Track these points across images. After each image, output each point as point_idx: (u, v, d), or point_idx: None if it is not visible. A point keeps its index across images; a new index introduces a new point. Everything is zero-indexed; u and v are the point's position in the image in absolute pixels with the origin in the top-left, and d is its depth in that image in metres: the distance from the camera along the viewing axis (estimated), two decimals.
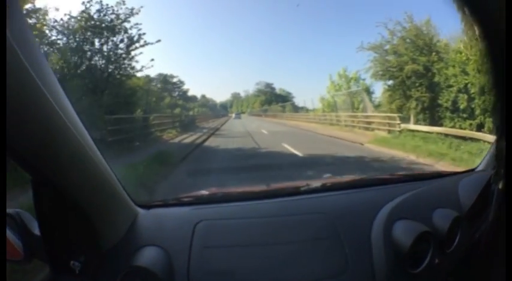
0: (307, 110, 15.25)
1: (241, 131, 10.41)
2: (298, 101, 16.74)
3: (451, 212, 0.79)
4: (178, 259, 0.65)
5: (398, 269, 0.68)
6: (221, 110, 21.75)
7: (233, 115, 20.60)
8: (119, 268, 0.61)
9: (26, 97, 0.39)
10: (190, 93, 17.52)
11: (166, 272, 0.62)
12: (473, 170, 1.04)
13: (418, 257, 0.70)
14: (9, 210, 0.62)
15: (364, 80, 12.05)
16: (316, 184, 0.89)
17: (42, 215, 0.58)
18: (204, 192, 0.94)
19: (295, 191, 0.86)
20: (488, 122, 6.17)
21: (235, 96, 22.83)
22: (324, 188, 0.89)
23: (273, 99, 20.28)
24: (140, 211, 0.75)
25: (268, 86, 20.99)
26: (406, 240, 0.68)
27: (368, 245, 0.69)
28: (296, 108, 16.89)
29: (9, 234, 0.62)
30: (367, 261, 0.67)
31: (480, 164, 1.03)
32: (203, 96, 20.02)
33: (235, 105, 23.16)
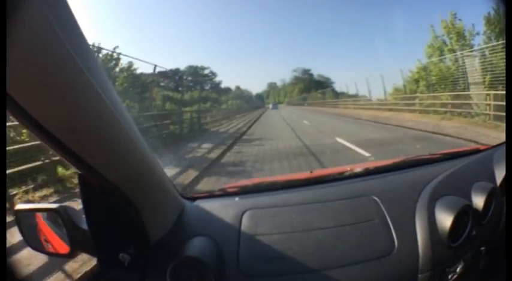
0: (349, 96, 13.63)
1: (289, 143, 4.80)
2: (338, 86, 15.64)
3: (488, 185, 0.81)
4: (228, 247, 0.65)
5: (441, 244, 0.68)
6: (257, 101, 20.59)
7: (270, 106, 19.51)
8: (168, 259, 0.60)
9: (81, 94, 0.40)
10: (223, 85, 16.93)
11: (216, 261, 0.62)
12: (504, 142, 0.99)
13: (458, 230, 0.71)
14: (55, 205, 0.63)
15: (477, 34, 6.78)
16: (359, 168, 0.89)
17: (90, 209, 0.58)
18: (248, 182, 0.94)
19: (339, 177, 0.86)
20: None
21: (272, 86, 21.79)
22: (367, 172, 0.88)
23: (311, 86, 19.08)
24: (187, 202, 0.75)
25: (306, 72, 19.82)
26: (448, 215, 0.69)
27: (413, 224, 0.70)
28: (337, 95, 15.56)
29: (56, 229, 0.64)
30: (412, 240, 0.68)
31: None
32: (238, 88, 19.37)
33: (271, 95, 22.12)
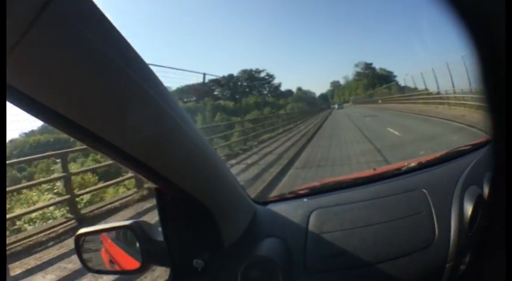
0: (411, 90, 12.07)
1: None
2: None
3: (491, 175, 0.78)
4: (295, 246, 0.70)
5: (462, 234, 0.72)
6: (321, 102, 19.99)
7: (335, 106, 18.62)
8: (239, 262, 0.63)
9: (156, 118, 0.44)
10: (284, 88, 16.10)
11: (284, 260, 0.66)
12: None
13: (474, 219, 0.74)
14: (127, 222, 0.66)
15: None
16: (414, 163, 0.98)
17: (166, 220, 0.63)
18: (317, 183, 1.02)
19: (398, 172, 0.94)
20: None
21: (335, 85, 21.09)
22: (421, 166, 0.95)
23: (375, 82, 17.90)
24: (258, 207, 0.80)
25: (368, 66, 18.85)
26: (470, 205, 0.73)
27: (449, 214, 0.74)
28: (402, 89, 14.69)
29: (124, 247, 0.68)
30: (447, 230, 0.72)
31: None
32: (299, 89, 18.82)
33: (336, 94, 21.11)
